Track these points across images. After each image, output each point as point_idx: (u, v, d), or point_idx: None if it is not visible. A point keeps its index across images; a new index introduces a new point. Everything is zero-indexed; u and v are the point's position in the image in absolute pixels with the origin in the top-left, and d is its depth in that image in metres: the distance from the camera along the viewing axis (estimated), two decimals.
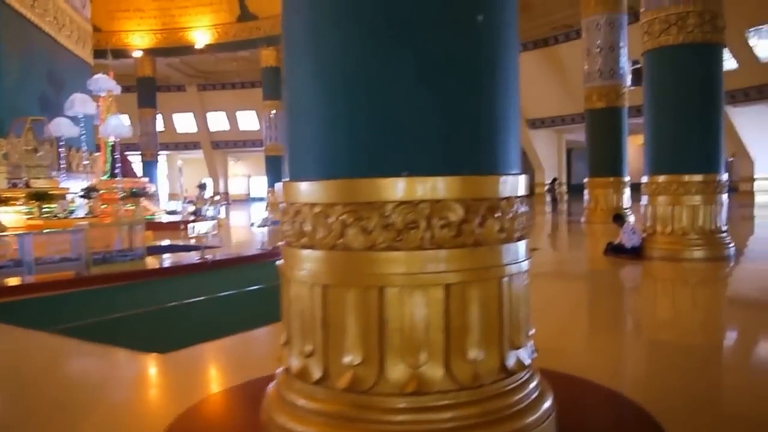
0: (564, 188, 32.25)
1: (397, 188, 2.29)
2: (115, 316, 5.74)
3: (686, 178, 8.42)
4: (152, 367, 4.31)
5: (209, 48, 31.22)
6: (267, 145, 30.91)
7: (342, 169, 2.40)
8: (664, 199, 8.59)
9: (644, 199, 8.97)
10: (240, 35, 30.74)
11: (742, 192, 25.09)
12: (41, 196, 11.05)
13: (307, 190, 2.49)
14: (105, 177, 16.36)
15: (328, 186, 2.40)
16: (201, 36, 31.22)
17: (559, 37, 27.72)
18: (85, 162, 15.93)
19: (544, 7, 24.62)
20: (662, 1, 8.31)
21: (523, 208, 2.57)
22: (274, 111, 30.00)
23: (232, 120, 39.45)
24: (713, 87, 8.47)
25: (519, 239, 2.54)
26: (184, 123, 39.80)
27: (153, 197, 18.13)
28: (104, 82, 16.06)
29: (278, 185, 2.73)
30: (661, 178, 8.61)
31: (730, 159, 33.70)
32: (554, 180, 23.14)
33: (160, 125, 38.20)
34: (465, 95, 2.37)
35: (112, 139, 16.39)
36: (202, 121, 39.43)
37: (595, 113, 15.08)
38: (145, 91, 32.17)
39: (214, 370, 4.36)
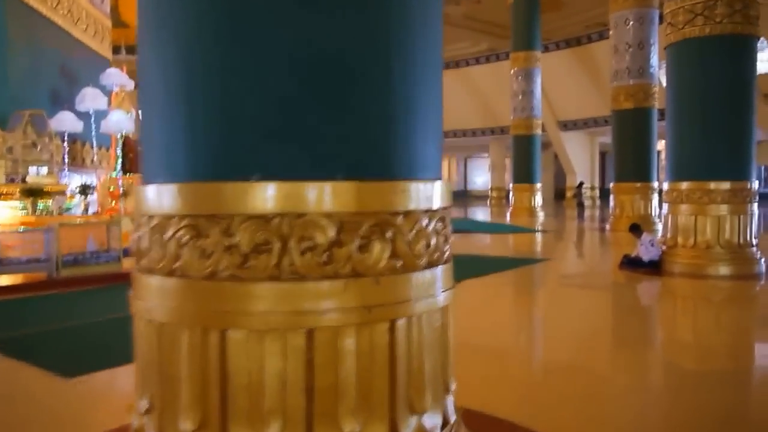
0: (596, 193, 31.15)
1: (244, 197, 1.69)
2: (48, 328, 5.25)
3: (712, 185, 7.60)
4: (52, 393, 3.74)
5: None
6: None
7: (181, 170, 1.80)
8: (686, 208, 7.78)
9: (665, 208, 8.17)
10: None
11: None
12: (34, 192, 10.73)
13: (147, 197, 1.91)
14: (115, 173, 16.11)
15: (165, 192, 1.81)
16: None
17: (592, 35, 26.67)
18: (95, 157, 15.67)
19: (576, 5, 23.65)
20: None
21: (435, 225, 1.94)
22: None
23: None
24: (744, 84, 7.62)
25: (428, 266, 1.91)
26: None
27: None
28: (116, 77, 15.77)
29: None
30: (684, 185, 7.80)
31: None
32: (581, 184, 22.18)
33: None
34: (340, 74, 1.75)
35: (122, 133, 16.12)
36: None
37: (622, 114, 14.18)
38: None
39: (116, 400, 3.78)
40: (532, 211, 19.84)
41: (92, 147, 15.58)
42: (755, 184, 7.76)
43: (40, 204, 10.85)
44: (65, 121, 13.17)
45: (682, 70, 7.86)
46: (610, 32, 14.74)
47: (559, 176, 35.02)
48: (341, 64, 1.73)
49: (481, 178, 45.91)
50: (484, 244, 12.95)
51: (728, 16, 7.38)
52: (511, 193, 20.78)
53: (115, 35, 30.61)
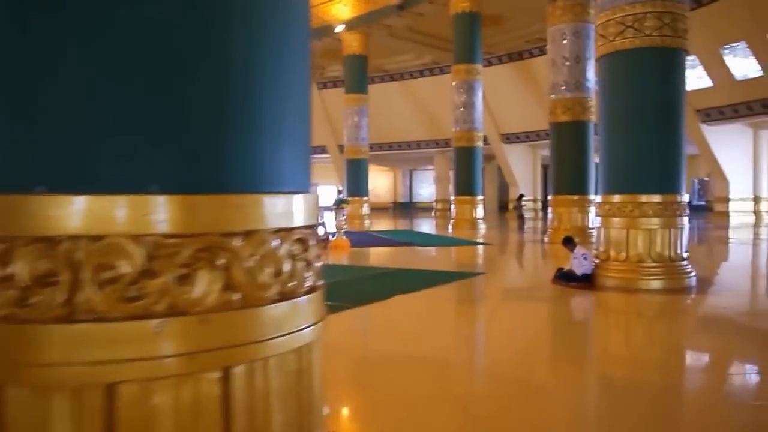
0: (539, 205, 31.52)
1: (25, 214, 1.31)
2: None
3: (643, 198, 7.54)
4: None
5: None
6: None
7: None
8: (618, 221, 7.69)
9: (598, 221, 8.08)
10: None
11: (717, 212, 24.41)
12: None
13: None
14: None
15: None
16: None
17: (533, 50, 27.05)
18: None
19: (516, 19, 23.90)
20: (618, 0, 7.46)
21: (291, 248, 1.60)
22: None
23: None
24: (674, 97, 7.62)
25: (280, 299, 1.56)
26: None
27: None
28: None
29: None
30: (616, 198, 7.72)
31: (706, 179, 33.27)
32: (521, 196, 22.33)
33: None
34: (150, 61, 1.39)
35: None
36: None
37: (559, 127, 14.25)
38: None
39: None
40: (473, 223, 19.79)
41: None
42: (685, 197, 7.74)
43: None
44: None
45: (613, 82, 7.81)
46: (548, 46, 14.82)
47: (503, 188, 35.38)
48: (154, 49, 1.37)
49: (426, 190, 46.02)
50: (422, 257, 12.72)
51: (657, 29, 7.35)
52: (452, 206, 20.70)
53: None
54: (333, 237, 13.75)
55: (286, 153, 1.64)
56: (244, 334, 1.46)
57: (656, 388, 4.01)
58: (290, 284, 1.59)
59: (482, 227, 19.86)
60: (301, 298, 1.64)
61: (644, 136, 7.54)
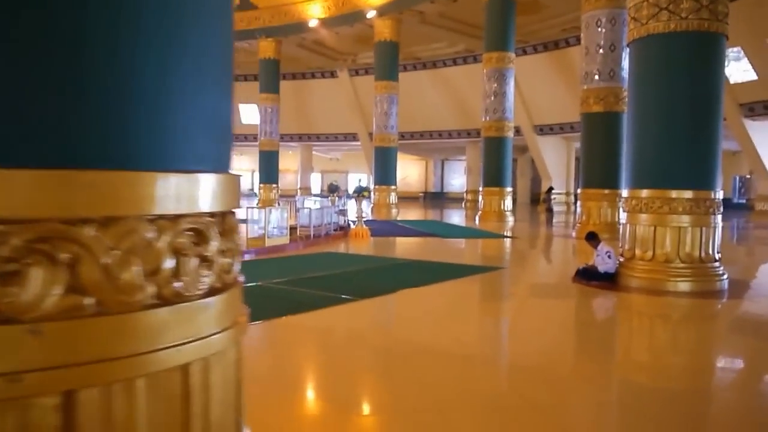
0: (571, 198, 30.74)
1: None
2: None
3: (673, 194, 7.04)
4: None
5: None
6: (261, 139, 29.84)
7: None
8: (645, 218, 7.21)
9: (623, 217, 7.61)
10: (239, 25, 29.60)
11: (759, 212, 23.39)
12: None
13: None
14: None
15: None
16: None
17: (569, 39, 26.24)
18: None
19: (553, 7, 23.16)
20: None
21: (179, 240, 1.28)
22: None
23: (235, 113, 38.28)
24: (711, 86, 7.08)
25: (163, 304, 1.24)
26: None
27: None
28: None
29: None
30: (644, 193, 7.24)
31: (748, 176, 31.99)
32: (550, 189, 21.69)
33: None
34: None
35: None
36: None
37: (591, 118, 13.67)
38: None
39: None
40: (501, 216, 19.29)
41: None
42: (720, 194, 7.22)
43: None
44: None
45: (645, 68, 7.30)
46: (582, 33, 14.21)
47: (536, 181, 34.66)
48: None
49: (457, 180, 45.44)
50: (443, 249, 12.35)
51: (695, 12, 6.83)
52: (480, 197, 20.22)
53: None
54: (353, 225, 13.48)
55: (183, 121, 1.31)
56: (97, 349, 1.15)
57: (681, 396, 3.77)
58: (175, 285, 1.27)
59: (510, 220, 19.36)
60: (197, 302, 1.32)
61: (676, 127, 7.03)
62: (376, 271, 8.70)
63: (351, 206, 15.43)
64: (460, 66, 31.05)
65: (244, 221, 10.01)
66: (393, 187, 25.66)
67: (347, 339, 5.11)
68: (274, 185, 29.98)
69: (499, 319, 6.31)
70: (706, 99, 7.06)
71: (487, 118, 19.78)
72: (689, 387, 4.10)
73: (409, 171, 47.62)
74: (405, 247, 13.07)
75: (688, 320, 6.33)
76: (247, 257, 9.52)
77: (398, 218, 21.57)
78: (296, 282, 7.27)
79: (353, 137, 35.77)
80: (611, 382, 4.21)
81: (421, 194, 46.55)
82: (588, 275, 7.50)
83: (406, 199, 42.54)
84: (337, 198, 15.09)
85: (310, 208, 12.28)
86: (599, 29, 13.46)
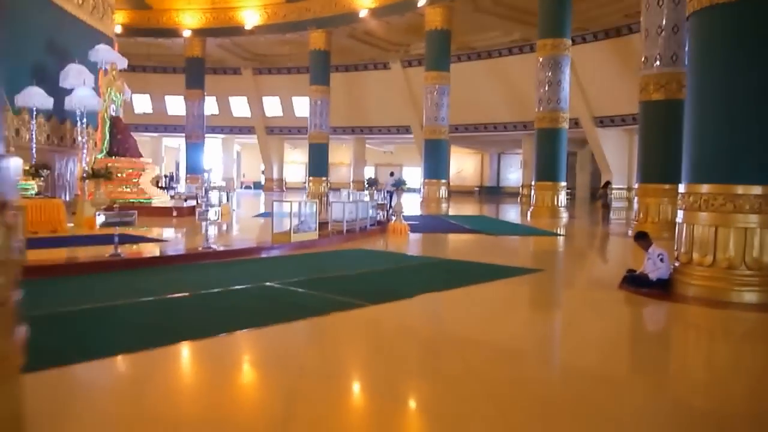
0: (633, 194, 29.15)
1: None
2: None
3: (739, 189, 6.07)
4: None
5: (258, 29, 30.05)
6: (311, 132, 29.54)
7: None
8: (705, 216, 6.27)
9: (679, 216, 6.68)
10: (290, 16, 29.43)
11: None
12: None
13: None
14: (101, 155, 15.23)
15: None
16: (250, 16, 30.10)
17: (632, 26, 24.71)
18: (79, 137, 14.79)
19: None
20: None
21: None
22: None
23: (287, 105, 38.28)
24: None
25: None
26: (240, 107, 39.01)
27: (150, 178, 16.55)
28: (105, 54, 14.92)
29: None
30: (704, 189, 6.30)
31: None
32: (607, 184, 20.39)
33: (214, 108, 37.71)
34: None
35: (112, 112, 15.30)
36: (257, 106, 38.49)
37: (651, 106, 12.54)
38: (192, 72, 31.45)
39: None
40: (554, 211, 18.28)
41: (76, 126, 14.72)
42: None
43: None
44: (33, 97, 12.32)
45: (708, 44, 6.33)
46: (642, 14, 13.06)
47: (596, 175, 33.12)
48: None
49: (514, 174, 44.05)
50: (483, 247, 11.57)
51: None
52: (532, 191, 19.22)
53: (135, 17, 30.09)
54: (393, 220, 12.83)
55: None
56: None
57: (741, 422, 3.30)
58: None
59: (563, 216, 18.32)
60: None
61: (744, 113, 6.05)
62: (398, 271, 8.01)
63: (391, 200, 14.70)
64: (516, 56, 29.86)
65: (269, 215, 9.51)
66: (443, 180, 24.88)
67: (320, 363, 4.47)
68: (324, 178, 29.60)
69: (524, 336, 5.41)
70: None
71: (541, 108, 18.76)
72: (750, 412, 3.46)
73: (464, 164, 46.62)
74: (443, 244, 12.33)
75: (753, 337, 5.40)
76: (272, 253, 9.05)
77: (448, 213, 20.81)
78: (308, 283, 6.66)
79: (406, 130, 35.08)
80: (662, 406, 3.43)
81: (476, 188, 45.48)
82: (638, 281, 6.61)
83: (460, 193, 41.63)
84: (375, 191, 14.50)
85: (343, 202, 11.69)
86: (661, 8, 12.31)
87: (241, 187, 44.10)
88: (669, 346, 5.34)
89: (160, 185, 25.06)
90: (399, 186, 12.69)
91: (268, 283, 6.51)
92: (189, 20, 30.80)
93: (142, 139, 41.42)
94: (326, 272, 7.53)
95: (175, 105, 37.06)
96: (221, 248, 8.59)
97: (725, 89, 6.17)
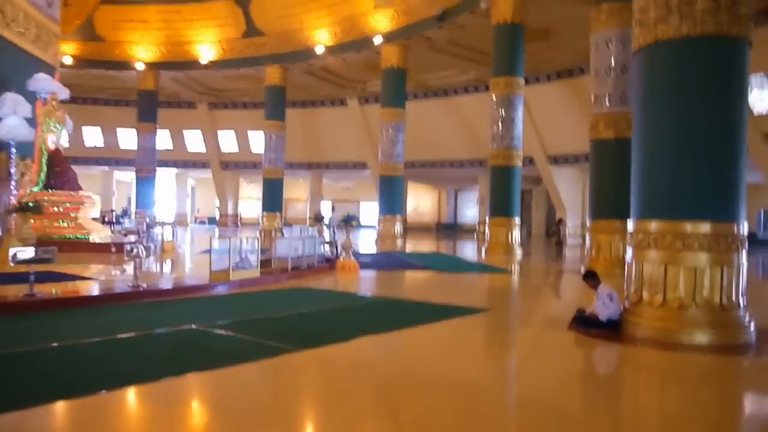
0: (586, 231, 29.41)
1: None
2: None
3: (688, 227, 5.90)
4: None
5: (214, 64, 29.69)
6: (265, 167, 29.08)
7: None
8: (655, 255, 6.06)
9: (629, 253, 6.47)
10: (245, 51, 29.18)
11: None
12: None
13: None
14: (37, 188, 14.48)
15: None
16: (206, 51, 29.74)
17: (584, 67, 25.19)
18: (12, 169, 14.03)
19: (564, 34, 22.22)
20: None
21: None
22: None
23: (243, 140, 37.80)
24: (732, 97, 5.98)
25: None
26: (195, 141, 38.33)
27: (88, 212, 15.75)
28: (45, 83, 14.32)
29: None
30: (653, 225, 6.11)
31: None
32: (560, 220, 20.46)
33: (168, 142, 36.96)
34: None
35: (51, 144, 14.64)
36: (212, 140, 37.90)
37: (601, 144, 12.56)
38: (145, 105, 30.77)
39: None
40: (508, 248, 18.10)
41: (9, 157, 13.97)
42: (744, 228, 6.06)
43: None
44: None
45: (652, 79, 6.22)
46: (591, 55, 13.19)
47: (552, 213, 33.41)
48: None
49: (471, 210, 44.24)
50: (432, 285, 11.25)
51: (711, 13, 5.78)
52: (486, 228, 19.08)
53: (86, 48, 29.42)
54: (342, 257, 12.42)
55: None
56: None
57: None
58: None
59: (518, 252, 18.18)
60: None
61: (692, 149, 5.93)
62: (337, 312, 7.53)
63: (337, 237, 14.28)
64: (472, 94, 30.13)
65: (208, 251, 9.02)
66: (399, 216, 24.64)
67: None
68: (278, 213, 29.07)
69: (465, 381, 5.02)
70: (728, 113, 5.96)
71: (495, 145, 18.75)
72: None
73: (422, 200, 46.63)
74: (391, 282, 11.92)
75: (706, 380, 5.14)
76: (210, 292, 8.53)
77: (404, 250, 20.51)
78: (235, 325, 6.16)
79: (363, 166, 34.92)
80: None
81: (433, 224, 45.47)
82: (587, 322, 6.34)
83: (418, 229, 41.48)
84: (324, 227, 14.10)
85: (287, 239, 11.24)
86: (609, 50, 12.44)
87: (195, 222, 43.13)
88: (620, 390, 5.04)
89: (107, 220, 24.13)
90: (348, 222, 12.32)
91: (192, 326, 6.00)
92: (142, 53, 30.25)
93: (92, 172, 40.39)
94: (257, 313, 7.05)
95: (127, 138, 36.22)
96: (148, 287, 8.02)
97: (669, 125, 6.05)
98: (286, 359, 5.05)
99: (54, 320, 6.17)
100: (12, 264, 6.66)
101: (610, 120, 12.35)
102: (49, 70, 16.78)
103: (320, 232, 13.41)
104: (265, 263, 10.24)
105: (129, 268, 10.42)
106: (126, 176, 41.76)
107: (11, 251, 6.60)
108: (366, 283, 11.15)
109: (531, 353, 5.97)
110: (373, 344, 5.85)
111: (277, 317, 6.85)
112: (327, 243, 13.08)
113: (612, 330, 6.20)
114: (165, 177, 41.35)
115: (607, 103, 12.47)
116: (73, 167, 15.74)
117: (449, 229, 44.29)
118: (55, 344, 5.19)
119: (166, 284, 9.16)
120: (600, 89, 12.66)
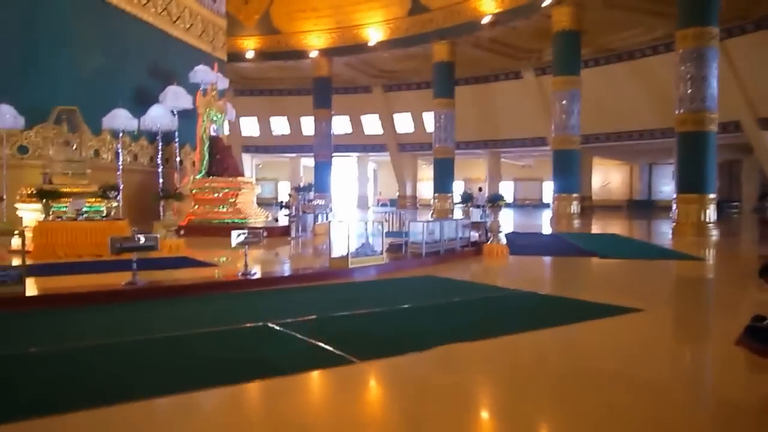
0: None
1: None
2: None
3: None
4: None
5: (381, 45, 29.62)
6: (435, 147, 28.41)
7: None
8: None
9: None
10: (412, 29, 28.69)
11: None
12: (47, 194, 9.76)
13: None
14: (200, 175, 15.18)
15: None
16: (374, 33, 29.76)
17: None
18: (178, 158, 14.82)
19: None
20: None
21: None
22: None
23: (418, 121, 37.57)
24: None
25: None
26: (372, 125, 38.96)
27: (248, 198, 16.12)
28: (204, 75, 14.90)
29: None
30: None
31: None
32: (765, 195, 17.11)
33: (348, 127, 37.97)
34: None
35: (213, 133, 15.28)
36: (388, 123, 38.21)
37: None
38: (320, 92, 31.71)
39: None
40: (701, 229, 15.54)
41: (176, 147, 14.78)
42: None
43: (54, 206, 9.89)
44: (117, 119, 12.39)
45: None
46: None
47: (766, 186, 28.71)
48: None
49: (668, 186, 39.82)
50: (585, 276, 9.68)
51: None
52: (674, 206, 16.57)
53: (266, 41, 30.94)
54: (489, 241, 11.27)
55: None
56: None
57: None
58: None
59: (713, 234, 15.51)
60: None
61: None
62: (442, 309, 6.29)
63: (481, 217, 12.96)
64: (662, 55, 26.64)
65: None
66: (575, 195, 22.52)
67: None
68: (450, 194, 28.29)
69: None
70: None
71: (681, 109, 16.17)
72: None
73: (610, 177, 43.03)
74: (538, 270, 10.31)
75: None
76: (323, 281, 7.95)
77: (576, 231, 18.66)
78: (308, 324, 5.40)
79: (542, 141, 32.83)
80: None
81: (624, 202, 41.77)
82: (764, 336, 4.64)
83: (607, 208, 38.20)
84: (472, 208, 12.99)
85: (423, 222, 10.33)
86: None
87: (378, 205, 43.95)
88: None
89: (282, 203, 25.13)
90: (495, 202, 11.11)
91: (269, 324, 5.38)
92: (315, 41, 31.17)
93: (281, 160, 42.93)
94: (353, 308, 6.16)
95: (310, 126, 37.85)
96: (259, 276, 7.66)
97: None
98: (350, 370, 4.19)
99: (149, 311, 5.98)
100: (110, 252, 6.59)
101: None
102: (215, 62, 17.57)
103: (467, 213, 12.33)
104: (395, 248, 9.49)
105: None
106: (311, 162, 43.88)
107: (111, 240, 6.53)
108: (506, 271, 9.88)
109: (692, 376, 4.47)
110: (458, 355, 4.75)
111: (358, 315, 5.88)
112: (474, 225, 11.95)
113: None
114: (347, 162, 42.70)
115: None
116: (264, 156, 16.37)
117: (643, 207, 40.30)
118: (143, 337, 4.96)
119: (283, 272, 8.79)
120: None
